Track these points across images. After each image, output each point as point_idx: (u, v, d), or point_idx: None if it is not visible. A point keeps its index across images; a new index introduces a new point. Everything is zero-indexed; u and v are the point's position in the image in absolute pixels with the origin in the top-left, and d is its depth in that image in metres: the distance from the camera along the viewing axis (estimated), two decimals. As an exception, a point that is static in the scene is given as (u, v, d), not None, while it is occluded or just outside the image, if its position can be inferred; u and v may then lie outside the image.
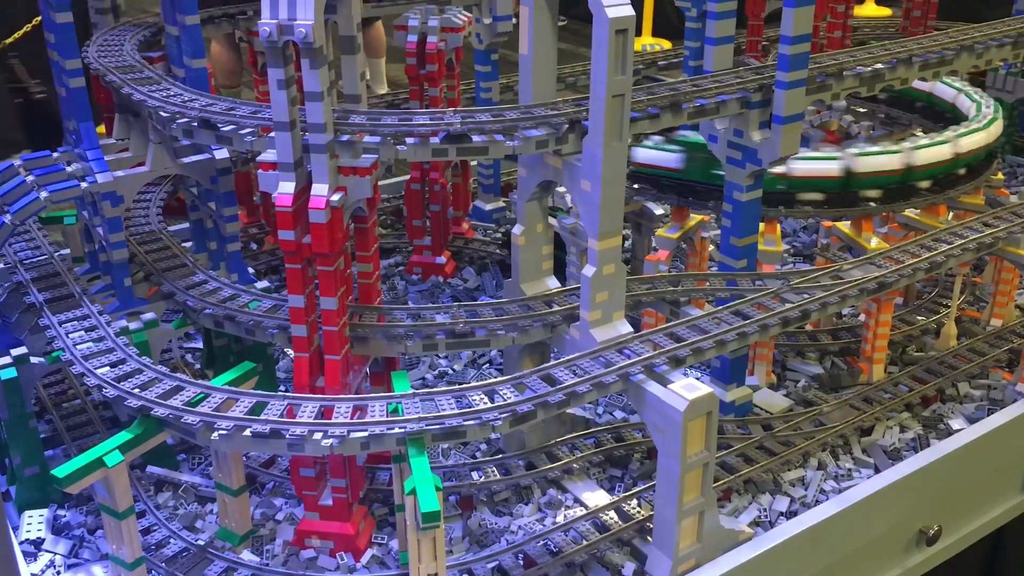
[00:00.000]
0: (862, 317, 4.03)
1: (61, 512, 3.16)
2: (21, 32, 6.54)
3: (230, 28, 4.38)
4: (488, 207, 5.14)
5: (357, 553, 2.97)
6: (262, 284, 3.43)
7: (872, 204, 3.84)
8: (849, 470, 3.42)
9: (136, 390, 2.68)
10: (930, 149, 3.86)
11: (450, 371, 3.94)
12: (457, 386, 2.74)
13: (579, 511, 3.16)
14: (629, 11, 2.72)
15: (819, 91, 3.44)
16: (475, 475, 3.27)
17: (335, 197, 2.69)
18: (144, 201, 3.84)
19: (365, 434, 2.54)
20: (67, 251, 3.49)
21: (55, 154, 3.28)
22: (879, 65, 3.59)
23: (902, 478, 3.25)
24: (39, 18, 4.08)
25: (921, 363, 3.91)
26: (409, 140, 2.84)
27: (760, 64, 3.54)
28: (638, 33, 7.59)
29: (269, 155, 2.72)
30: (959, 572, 3.69)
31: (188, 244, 3.78)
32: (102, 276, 3.41)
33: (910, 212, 4.16)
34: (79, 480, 2.52)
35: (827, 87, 3.46)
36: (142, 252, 3.49)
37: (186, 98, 3.10)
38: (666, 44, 6.85)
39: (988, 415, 3.63)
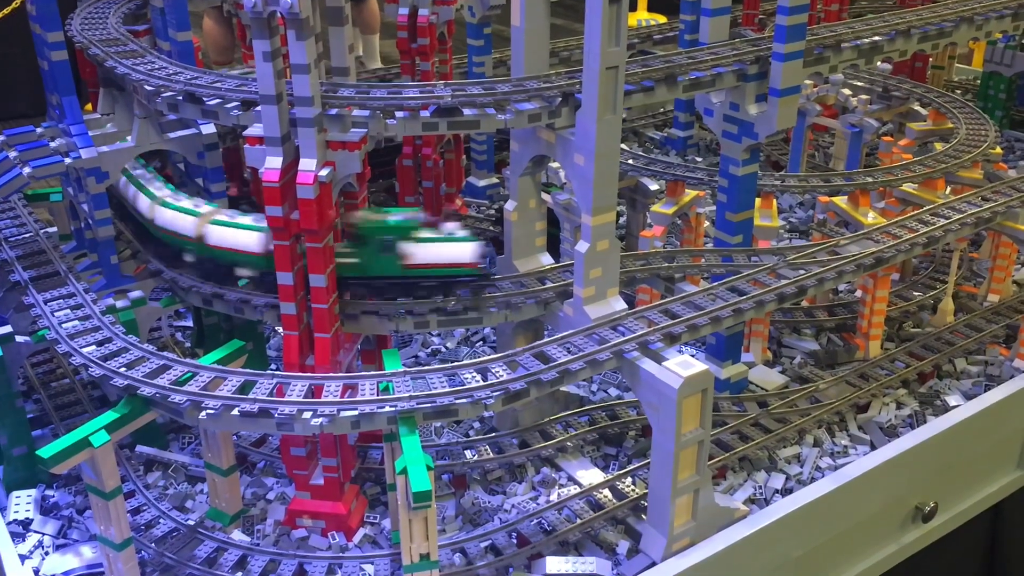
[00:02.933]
0: (859, 293, 4.01)
1: (49, 492, 3.13)
2: (9, 9, 6.46)
3: (218, 1, 4.31)
4: (481, 183, 5.09)
5: (349, 532, 2.95)
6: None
7: None
8: (845, 447, 3.40)
9: (122, 369, 2.64)
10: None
11: (443, 349, 3.90)
12: (449, 364, 2.71)
13: (573, 489, 3.13)
14: (623, -20, 2.67)
15: (816, 63, 3.40)
16: (468, 453, 3.25)
17: (323, 172, 2.64)
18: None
19: (355, 413, 2.50)
20: (53, 229, 3.44)
21: (38, 129, 3.22)
22: (877, 37, 3.54)
23: (898, 455, 3.23)
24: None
25: (918, 339, 3.88)
26: (399, 114, 2.79)
27: (757, 36, 3.49)
28: (633, 8, 7.51)
29: (256, 129, 2.67)
30: (956, 549, 3.68)
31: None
32: (88, 254, 3.36)
33: (908, 187, 4.13)
34: (65, 460, 2.48)
35: (824, 59, 3.41)
36: (128, 229, 3.44)
37: (171, 71, 3.04)
38: (661, 19, 6.77)
39: (985, 391, 3.61)
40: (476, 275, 3.00)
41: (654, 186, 4.17)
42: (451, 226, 3.02)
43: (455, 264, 2.96)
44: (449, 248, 2.96)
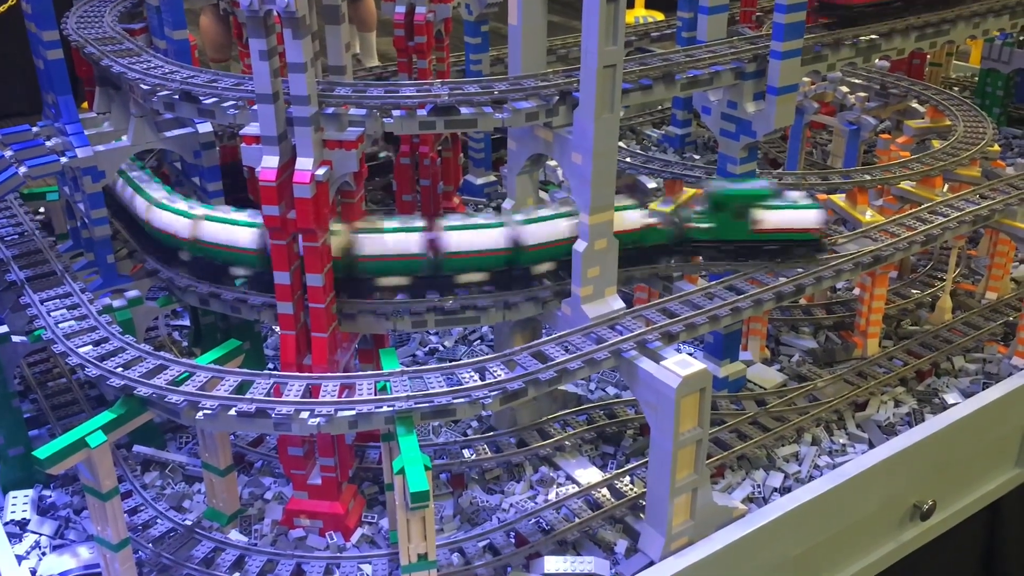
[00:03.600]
0: (857, 291, 4.00)
1: (46, 492, 3.12)
2: (4, 7, 6.43)
3: (214, -1, 4.30)
4: (479, 181, 5.08)
5: (347, 532, 2.94)
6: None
7: None
8: (843, 445, 3.39)
9: (119, 369, 2.63)
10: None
11: (441, 348, 3.90)
12: (447, 363, 2.70)
13: (571, 488, 3.13)
14: (620, -22, 2.66)
15: (814, 61, 3.39)
16: (466, 453, 3.24)
17: (320, 171, 2.63)
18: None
19: (353, 413, 2.49)
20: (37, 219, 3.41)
21: (34, 128, 3.21)
22: (875, 35, 3.54)
23: (896, 453, 3.23)
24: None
25: (916, 337, 3.88)
26: (396, 112, 2.79)
27: (755, 34, 3.48)
28: (631, 5, 7.49)
29: (252, 128, 2.66)
30: (954, 547, 3.68)
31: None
32: (85, 253, 3.35)
33: (906, 184, 4.12)
34: (61, 461, 2.47)
35: (823, 57, 3.40)
36: (125, 228, 3.43)
37: (167, 70, 3.04)
38: (659, 16, 6.76)
39: (983, 389, 3.61)
40: (814, 240, 3.22)
41: (652, 184, 4.16)
42: (796, 194, 3.23)
43: (798, 229, 3.18)
44: (795, 214, 3.18)
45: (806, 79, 4.48)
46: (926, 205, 3.77)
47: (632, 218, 3.11)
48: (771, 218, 3.16)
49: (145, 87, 2.96)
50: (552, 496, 3.11)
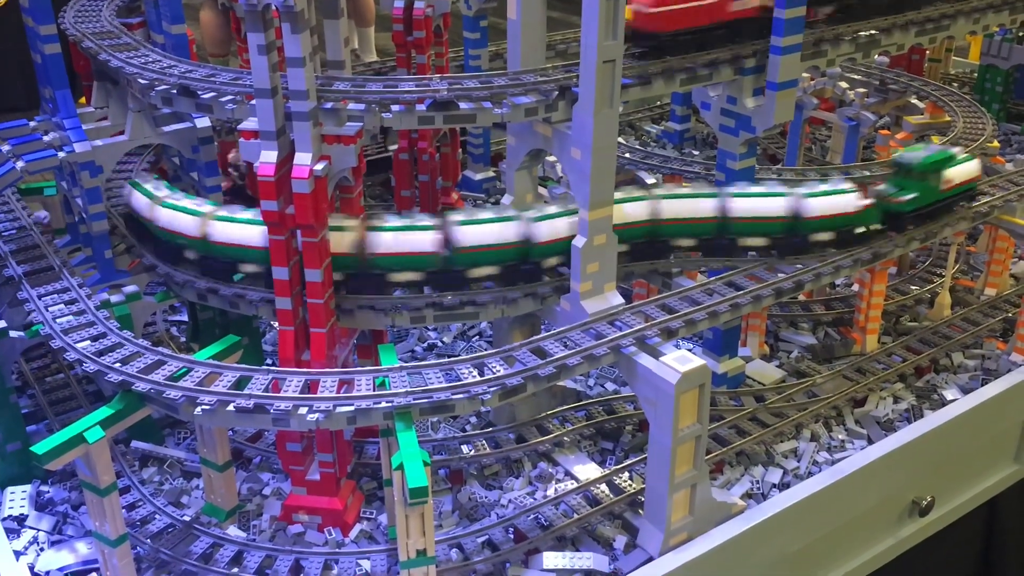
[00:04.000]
0: (856, 287, 4.00)
1: (44, 488, 3.11)
2: (2, 2, 6.41)
3: (212, -7, 4.29)
4: (478, 177, 5.08)
5: (345, 528, 2.94)
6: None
7: None
8: (842, 441, 3.39)
9: (117, 364, 2.62)
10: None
11: (440, 343, 3.89)
12: (446, 359, 2.70)
13: (570, 484, 3.13)
14: (620, -27, 2.65)
15: (814, 57, 3.38)
16: (465, 448, 3.24)
17: (319, 166, 2.63)
18: (125, 171, 3.77)
19: (351, 408, 2.49)
20: (44, 214, 3.40)
21: (32, 123, 3.20)
22: (874, 31, 3.53)
23: (895, 449, 3.23)
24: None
25: (915, 333, 3.88)
26: (395, 107, 2.78)
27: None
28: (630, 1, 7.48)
29: (251, 123, 2.65)
30: (953, 543, 3.68)
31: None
32: (83, 248, 3.34)
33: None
34: (59, 456, 2.47)
35: (822, 53, 3.40)
36: (123, 223, 3.42)
37: (165, 65, 3.03)
38: (658, 11, 6.75)
39: (982, 385, 3.61)
40: (974, 188, 3.55)
41: (651, 180, 4.15)
42: (957, 149, 3.52)
43: (969, 180, 3.49)
44: (964, 167, 3.46)
45: (805, 75, 4.47)
46: (925, 201, 3.76)
47: (850, 201, 3.23)
48: (953, 175, 3.40)
49: (143, 81, 2.95)
50: (551, 492, 3.10)
